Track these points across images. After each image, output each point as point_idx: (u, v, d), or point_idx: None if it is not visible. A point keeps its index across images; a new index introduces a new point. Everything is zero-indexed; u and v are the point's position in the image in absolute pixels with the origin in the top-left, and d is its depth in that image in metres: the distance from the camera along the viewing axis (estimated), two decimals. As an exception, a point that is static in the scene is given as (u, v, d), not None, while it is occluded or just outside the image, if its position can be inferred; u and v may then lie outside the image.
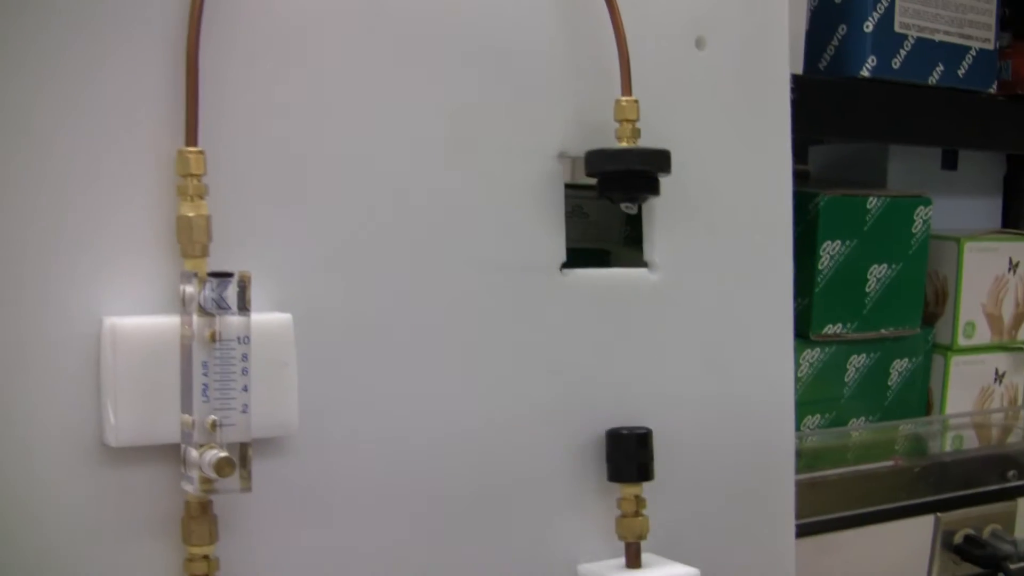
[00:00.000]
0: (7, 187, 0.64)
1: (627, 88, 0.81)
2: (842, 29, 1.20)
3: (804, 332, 1.19)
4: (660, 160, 0.80)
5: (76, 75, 0.66)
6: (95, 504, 0.67)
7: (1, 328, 0.64)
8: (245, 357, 0.64)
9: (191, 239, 0.67)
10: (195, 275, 0.64)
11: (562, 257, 0.82)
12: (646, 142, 0.81)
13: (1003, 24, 1.35)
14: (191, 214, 0.67)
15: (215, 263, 0.68)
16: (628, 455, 0.82)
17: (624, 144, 0.80)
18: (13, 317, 0.65)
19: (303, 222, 0.72)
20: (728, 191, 0.90)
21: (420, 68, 0.76)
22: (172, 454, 0.67)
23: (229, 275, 0.64)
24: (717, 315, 0.89)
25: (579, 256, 0.84)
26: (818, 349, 1.21)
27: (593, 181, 0.82)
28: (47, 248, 0.65)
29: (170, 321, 0.66)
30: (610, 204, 0.83)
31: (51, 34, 0.65)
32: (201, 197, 0.67)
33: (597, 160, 0.80)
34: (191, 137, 0.68)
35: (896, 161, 1.41)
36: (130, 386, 0.65)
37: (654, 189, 0.80)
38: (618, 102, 0.81)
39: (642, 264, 0.87)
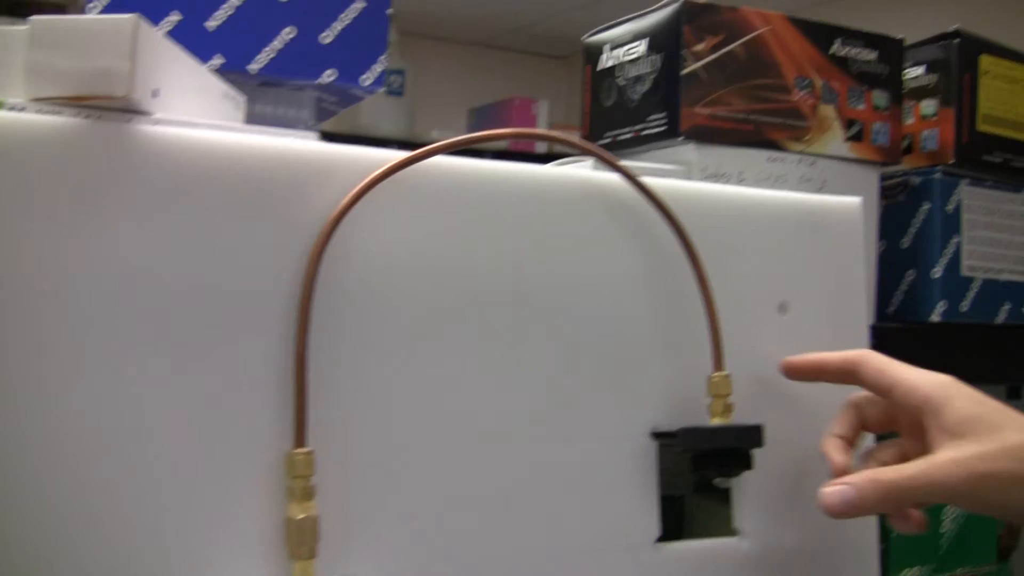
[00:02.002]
0: (112, 486, 0.65)
1: (719, 364, 0.82)
2: (910, 275, 1.20)
3: (882, 577, 1.18)
4: (754, 436, 0.80)
5: (182, 376, 0.67)
6: None
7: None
8: (360, 666, 0.64)
9: (300, 541, 0.67)
10: (308, 583, 0.64)
11: (656, 532, 0.82)
12: (737, 412, 0.82)
13: (1065, 259, 1.36)
14: (300, 516, 0.67)
15: (323, 561, 0.68)
16: None
17: (717, 420, 0.81)
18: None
19: (410, 515, 0.72)
20: (812, 450, 0.90)
21: (518, 350, 0.77)
22: None
23: (342, 583, 0.64)
24: (805, 574, 0.89)
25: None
26: (896, 593, 1.20)
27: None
28: (156, 549, 0.65)
29: (280, 625, 0.66)
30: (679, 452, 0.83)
31: (159, 338, 0.66)
32: (310, 498, 0.68)
33: (692, 439, 0.80)
34: (299, 438, 0.68)
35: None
36: None
37: (748, 465, 0.80)
38: (711, 379, 0.81)
39: (723, 520, 0.86)
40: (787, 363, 0.86)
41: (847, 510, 0.75)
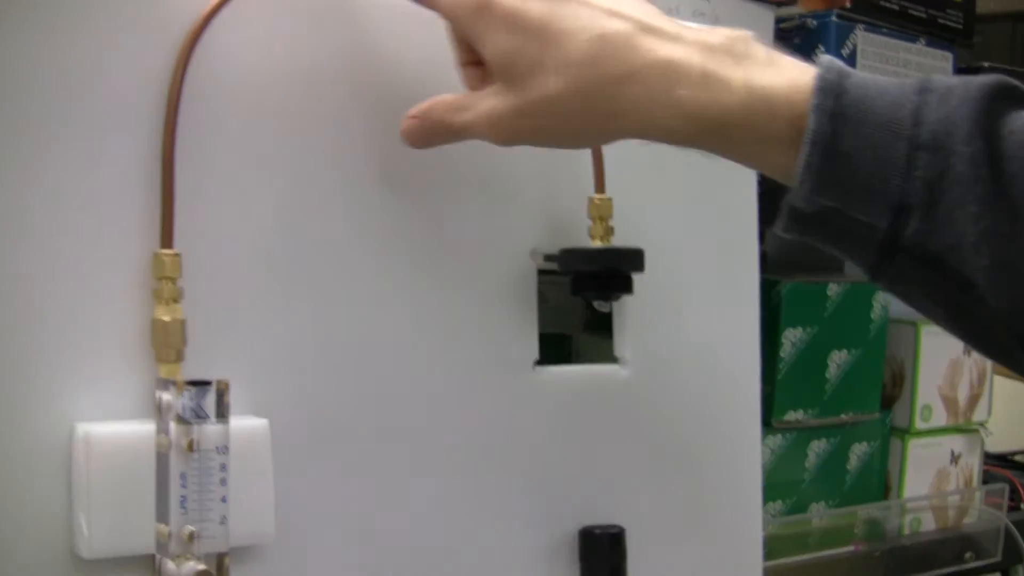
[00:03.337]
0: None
1: (600, 185, 0.81)
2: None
3: (766, 419, 1.19)
4: (634, 260, 0.79)
5: (48, 175, 0.65)
6: (65, 616, 0.65)
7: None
8: (224, 467, 0.63)
9: (166, 343, 0.66)
10: (173, 383, 0.63)
11: (535, 355, 0.81)
12: (617, 237, 0.81)
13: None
14: (166, 318, 0.66)
15: (189, 366, 0.67)
16: (601, 556, 0.81)
17: (598, 243, 0.80)
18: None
19: (278, 324, 0.71)
20: (696, 283, 0.90)
21: (392, 164, 0.75)
22: (146, 564, 0.65)
23: (207, 383, 0.63)
24: (686, 407, 0.89)
25: (541, 341, 0.83)
26: (780, 436, 1.21)
27: (552, 266, 0.81)
28: (18, 351, 0.64)
29: (145, 428, 0.64)
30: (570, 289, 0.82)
31: (25, 134, 0.64)
32: (176, 301, 0.66)
33: (572, 260, 0.79)
34: (167, 239, 0.66)
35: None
36: (104, 496, 0.64)
37: (628, 288, 0.80)
38: (591, 200, 0.81)
39: (610, 356, 0.86)
40: None
41: (416, 142, 0.73)
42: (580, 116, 0.67)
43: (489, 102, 0.68)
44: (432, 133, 0.72)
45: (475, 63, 0.71)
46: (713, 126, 0.65)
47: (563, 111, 0.66)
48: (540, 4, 0.66)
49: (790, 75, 0.64)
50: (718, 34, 0.66)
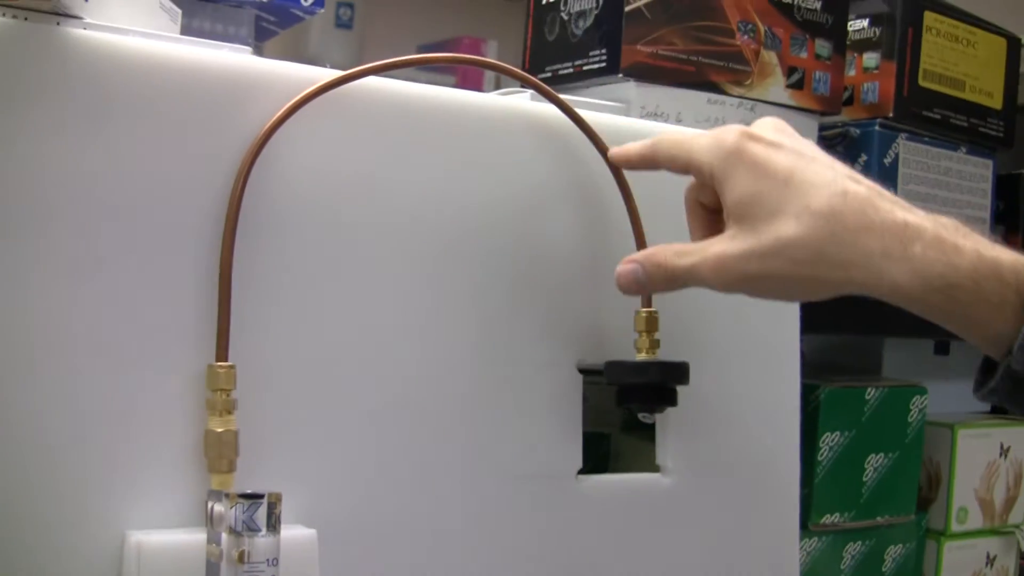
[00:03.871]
0: (35, 395, 0.64)
1: (647, 300, 0.82)
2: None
3: (803, 522, 1.19)
4: (680, 373, 0.80)
5: (107, 285, 0.66)
6: None
7: (22, 538, 0.64)
8: (273, 579, 0.64)
9: (219, 454, 0.67)
10: (226, 495, 0.64)
11: (578, 464, 0.82)
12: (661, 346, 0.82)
13: (996, 219, 1.37)
14: (219, 429, 0.67)
15: (241, 476, 0.68)
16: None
17: (644, 356, 0.81)
18: (36, 527, 0.64)
19: (327, 435, 0.72)
20: (739, 392, 0.90)
21: (445, 275, 0.77)
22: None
23: (260, 496, 0.64)
24: (726, 515, 0.89)
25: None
26: (816, 538, 1.21)
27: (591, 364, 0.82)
28: (72, 458, 0.65)
29: (196, 538, 0.65)
30: (609, 388, 0.82)
31: (86, 248, 0.66)
32: (230, 412, 0.67)
33: (618, 372, 0.80)
34: (222, 352, 0.68)
35: (890, 346, 1.42)
36: (154, 605, 0.65)
37: (673, 401, 0.80)
38: (638, 313, 0.81)
39: (650, 459, 0.87)
40: (612, 154, 0.80)
41: (632, 287, 0.75)
42: (811, 263, 0.68)
43: (720, 246, 0.71)
44: (652, 278, 0.74)
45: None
46: (941, 285, 0.67)
47: (795, 256, 0.68)
48: (788, 158, 0.70)
49: (1013, 251, 0.68)
50: (944, 215, 0.69)
